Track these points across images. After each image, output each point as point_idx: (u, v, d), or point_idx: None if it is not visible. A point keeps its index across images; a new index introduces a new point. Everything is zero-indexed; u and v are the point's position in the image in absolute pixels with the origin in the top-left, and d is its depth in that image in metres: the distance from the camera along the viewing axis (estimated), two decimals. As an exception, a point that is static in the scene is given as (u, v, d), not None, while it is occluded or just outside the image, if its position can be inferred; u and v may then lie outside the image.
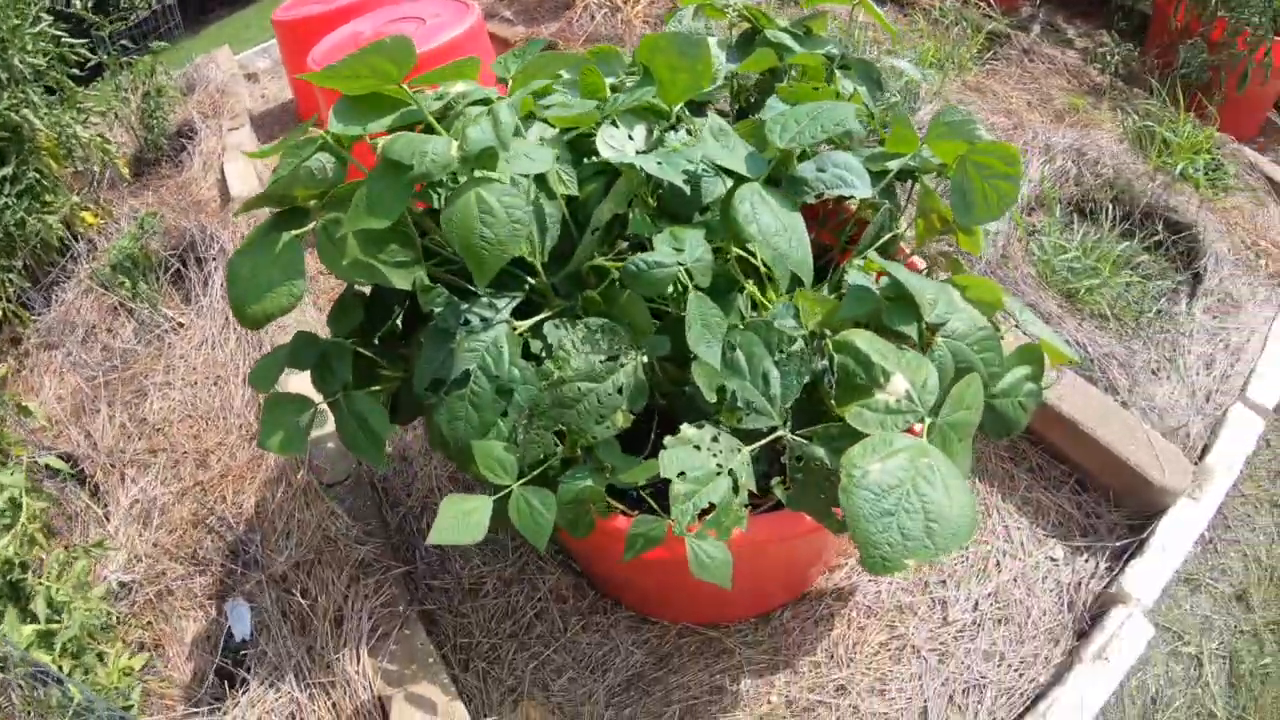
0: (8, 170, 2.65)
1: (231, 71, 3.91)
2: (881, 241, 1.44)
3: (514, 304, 1.20)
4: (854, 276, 1.22)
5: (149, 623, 1.97)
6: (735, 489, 1.02)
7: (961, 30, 3.13)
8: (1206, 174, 2.68)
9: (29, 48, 2.76)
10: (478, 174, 1.00)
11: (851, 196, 1.36)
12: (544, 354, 1.18)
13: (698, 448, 1.02)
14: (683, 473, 0.99)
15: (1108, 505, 1.91)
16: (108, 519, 2.17)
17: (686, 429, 1.04)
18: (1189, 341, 2.18)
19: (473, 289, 1.22)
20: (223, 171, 3.14)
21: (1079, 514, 1.91)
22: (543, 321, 1.19)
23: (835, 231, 1.62)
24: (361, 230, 1.08)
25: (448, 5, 2.94)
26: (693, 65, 1.32)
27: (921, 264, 1.57)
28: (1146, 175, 2.54)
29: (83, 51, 2.99)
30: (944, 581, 1.79)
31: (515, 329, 1.19)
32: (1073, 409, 1.88)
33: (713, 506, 1.01)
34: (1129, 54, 3.19)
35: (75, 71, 3.02)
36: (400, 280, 1.15)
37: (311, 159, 1.14)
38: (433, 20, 2.83)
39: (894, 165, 1.45)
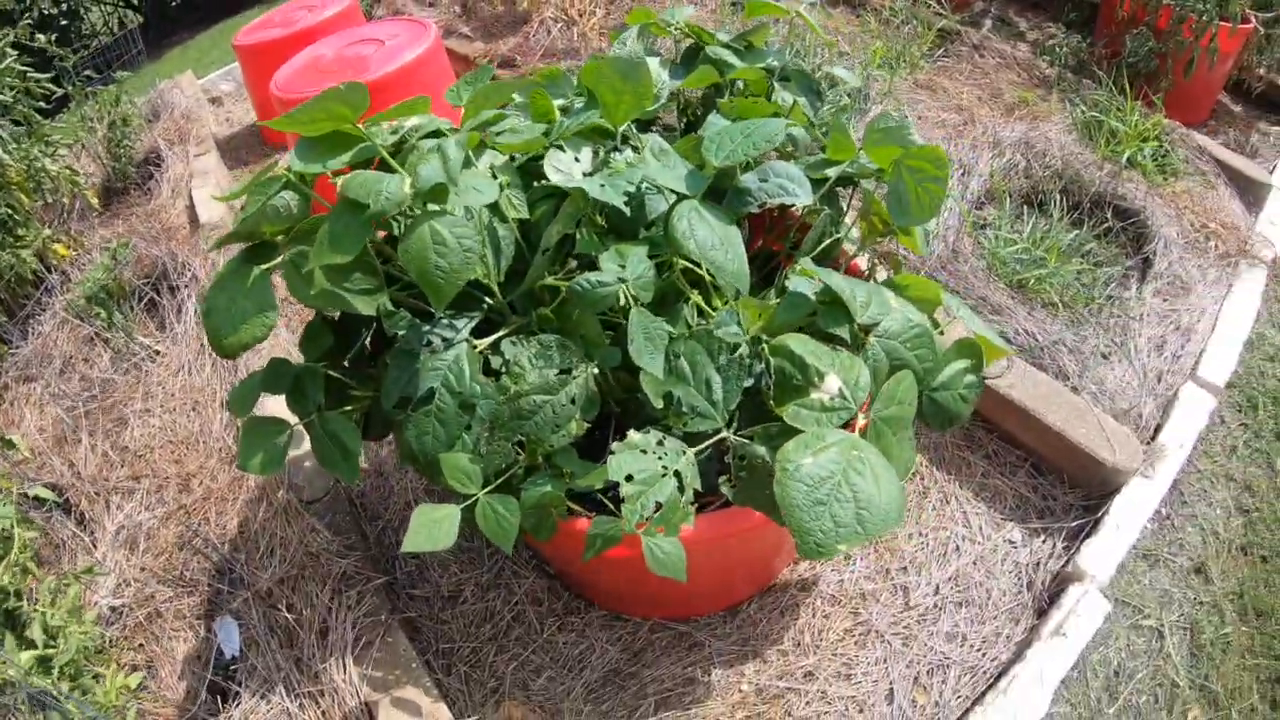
0: None
1: (195, 96, 3.97)
2: (823, 246, 1.54)
3: (473, 323, 1.29)
4: (793, 282, 1.32)
5: (140, 644, 2.04)
6: (681, 488, 1.11)
7: (913, 29, 3.24)
8: (1155, 160, 2.80)
9: (-6, 86, 2.83)
10: (431, 207, 1.08)
11: (794, 204, 1.46)
12: (503, 369, 1.27)
13: (644, 451, 1.12)
14: (630, 475, 1.09)
15: (1063, 487, 2.02)
16: (95, 546, 2.24)
17: (633, 435, 1.14)
18: (1139, 325, 2.29)
19: (433, 311, 1.31)
20: (191, 198, 3.20)
21: (1035, 497, 2.02)
22: (501, 339, 1.28)
23: (780, 237, 1.72)
24: (325, 262, 1.16)
25: (406, 26, 3.03)
26: (635, 88, 1.41)
27: (864, 265, 1.67)
28: (1095, 165, 2.65)
29: (48, 85, 3.05)
30: (905, 568, 1.89)
31: (475, 347, 1.28)
32: (1023, 396, 1.99)
33: (661, 505, 1.10)
34: (1078, 46, 3.31)
35: (41, 104, 3.09)
36: (365, 307, 1.24)
37: (276, 197, 1.22)
38: (391, 42, 2.92)
39: (833, 172, 1.54)
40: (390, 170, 1.22)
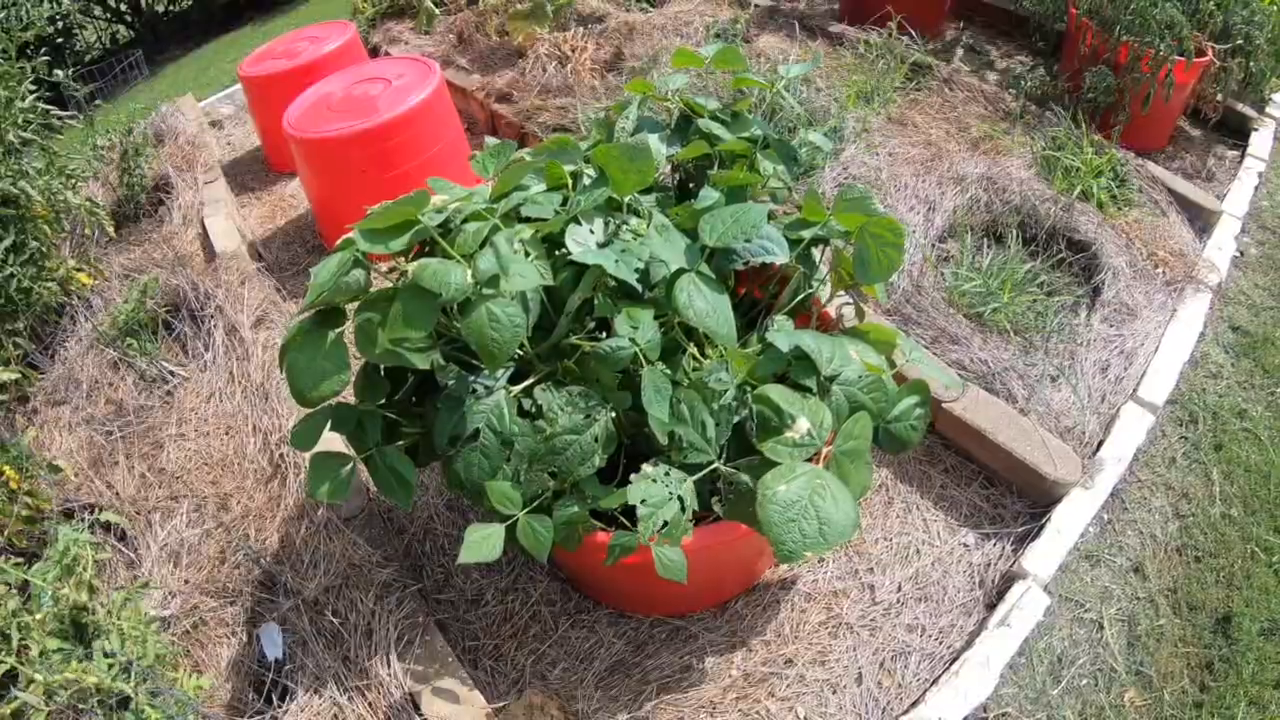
0: (9, 240, 3.03)
1: (199, 121, 4.29)
2: (799, 299, 1.91)
3: (509, 373, 1.65)
4: (772, 335, 1.69)
5: (188, 650, 2.38)
6: (683, 509, 1.49)
7: (887, 63, 3.62)
8: (1109, 192, 3.19)
9: (19, 121, 3.14)
10: (485, 290, 1.45)
11: (775, 261, 1.83)
12: (534, 410, 1.64)
13: (654, 480, 1.49)
14: (644, 499, 1.46)
15: (1012, 497, 2.40)
16: (140, 561, 2.57)
17: (646, 467, 1.51)
18: (1086, 350, 2.67)
19: (476, 363, 1.67)
20: (203, 226, 3.53)
21: (987, 506, 2.40)
22: (532, 386, 1.65)
23: (762, 286, 2.09)
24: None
25: (410, 65, 3.38)
26: (639, 167, 1.78)
27: (834, 311, 2.05)
28: (1051, 199, 3.05)
29: (66, 119, 3.37)
30: (872, 569, 2.27)
31: (511, 393, 1.64)
32: (976, 418, 2.38)
33: (667, 523, 1.48)
34: (1042, 79, 3.70)
35: (59, 137, 3.41)
36: (420, 362, 1.60)
37: (350, 275, 1.58)
38: (398, 81, 3.27)
39: (808, 234, 1.91)
40: (442, 251, 1.59)
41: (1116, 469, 2.45)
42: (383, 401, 1.80)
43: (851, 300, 2.08)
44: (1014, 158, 3.24)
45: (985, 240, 3.02)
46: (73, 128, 3.73)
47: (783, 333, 1.66)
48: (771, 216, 2.01)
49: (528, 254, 1.60)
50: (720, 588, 2.14)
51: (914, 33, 3.89)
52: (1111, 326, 2.76)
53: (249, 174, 4.18)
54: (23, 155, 3.15)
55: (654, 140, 2.02)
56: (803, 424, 1.51)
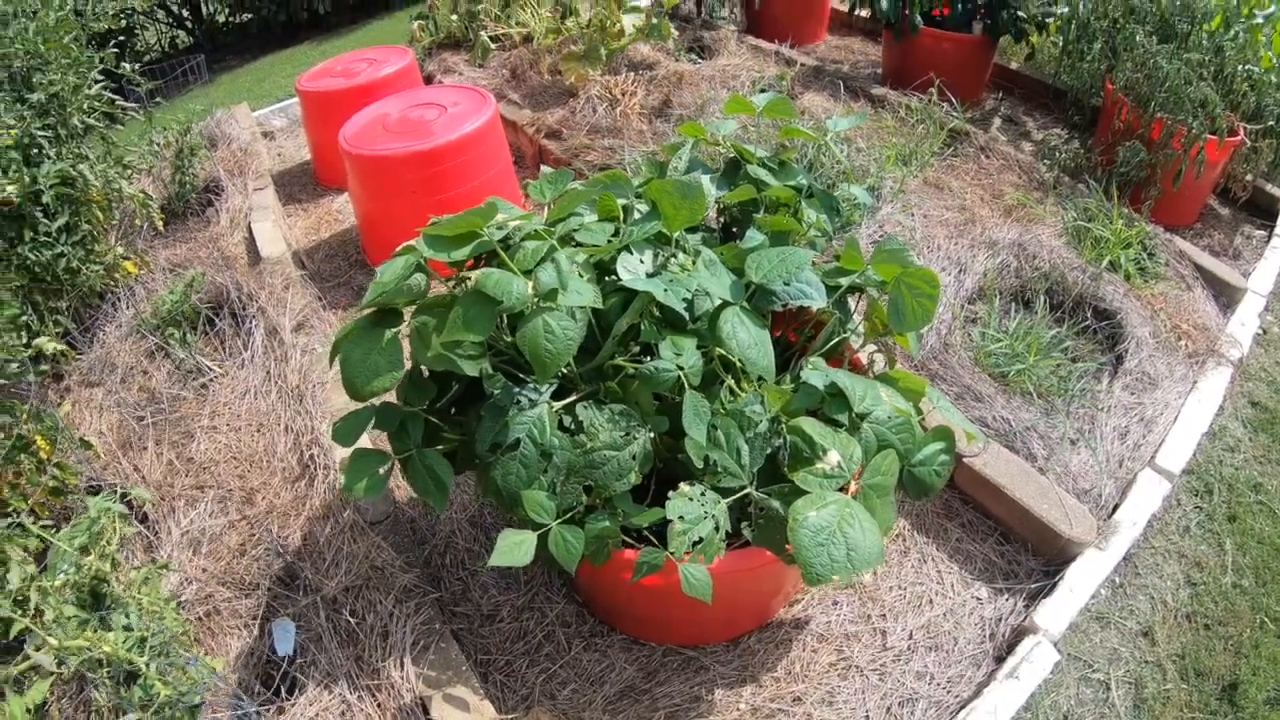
0: (64, 220, 3.14)
1: (251, 130, 4.45)
2: (833, 343, 1.99)
3: (552, 389, 1.73)
4: (807, 374, 1.77)
5: (198, 638, 2.43)
6: (716, 528, 1.55)
7: (926, 128, 3.75)
8: (1137, 264, 3.28)
9: (85, 108, 3.28)
10: (544, 304, 1.53)
11: (812, 305, 1.91)
12: (573, 427, 1.71)
13: (691, 499, 1.56)
14: (681, 516, 1.53)
15: (1026, 554, 2.45)
16: (158, 546, 2.63)
17: (684, 486, 1.58)
18: (1106, 416, 2.74)
19: (521, 375, 1.75)
20: (250, 230, 3.65)
21: (1002, 561, 2.45)
22: (574, 403, 1.73)
23: (798, 329, 2.17)
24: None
25: (466, 94, 3.52)
26: (691, 204, 1.87)
27: (865, 359, 2.13)
28: (1079, 268, 3.13)
29: (129, 109, 3.51)
30: (884, 615, 2.31)
31: (553, 408, 1.72)
32: (995, 474, 2.44)
33: (700, 540, 1.54)
34: (1076, 151, 3.81)
35: (119, 128, 3.55)
36: (470, 369, 1.68)
37: (411, 278, 1.67)
38: (453, 109, 3.41)
39: (845, 281, 2.00)
40: (502, 263, 1.68)
41: (1131, 533, 2.49)
42: (425, 406, 1.87)
43: (882, 349, 2.16)
44: (1045, 226, 3.33)
45: (1013, 304, 3.10)
46: (134, 120, 3.87)
47: (818, 371, 1.74)
48: (810, 265, 2.11)
49: (583, 275, 1.69)
50: (736, 620, 2.19)
51: (954, 100, 4.02)
52: (1132, 394, 2.82)
53: (297, 186, 4.32)
54: (84, 141, 3.28)
55: (705, 180, 2.12)
56: (833, 456, 1.58)
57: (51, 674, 1.99)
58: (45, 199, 2.93)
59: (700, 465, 1.62)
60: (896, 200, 3.23)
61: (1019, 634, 2.26)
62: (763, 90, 4.02)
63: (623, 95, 3.91)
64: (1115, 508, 2.54)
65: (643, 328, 1.75)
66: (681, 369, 1.61)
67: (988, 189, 3.58)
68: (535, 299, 1.54)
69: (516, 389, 1.72)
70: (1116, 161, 3.62)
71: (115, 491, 2.60)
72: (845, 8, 5.40)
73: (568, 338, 1.53)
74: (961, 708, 2.12)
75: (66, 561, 2.08)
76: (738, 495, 1.63)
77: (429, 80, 4.95)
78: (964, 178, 3.63)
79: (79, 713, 2.03)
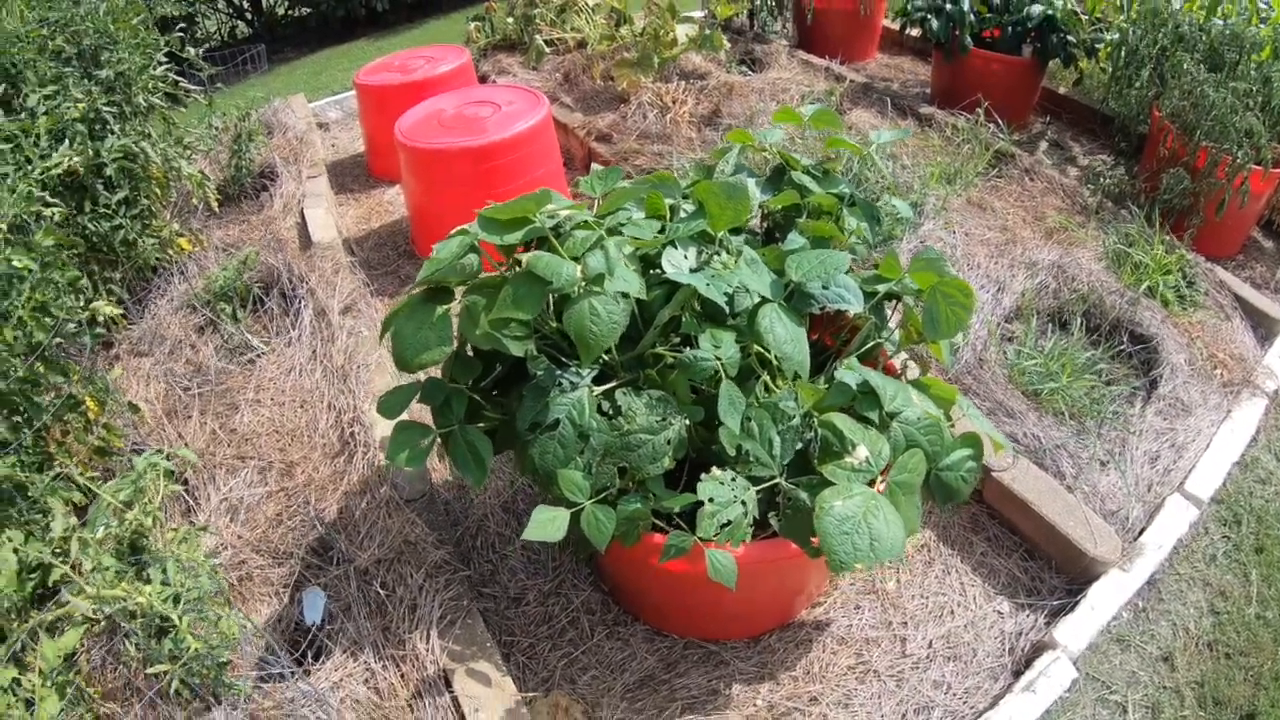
0: (124, 194, 3.26)
1: (307, 120, 4.59)
2: (867, 347, 2.04)
3: (593, 374, 1.80)
4: (841, 374, 1.82)
5: (228, 602, 2.52)
6: (745, 513, 1.61)
7: (972, 148, 3.78)
8: (1175, 291, 3.28)
9: (150, 87, 3.42)
10: (591, 288, 1.60)
11: (848, 310, 1.96)
12: (611, 412, 1.77)
13: (722, 483, 1.62)
14: (712, 498, 1.58)
15: (1050, 571, 2.47)
16: (196, 510, 2.72)
17: (716, 470, 1.64)
18: (1137, 440, 2.75)
19: (564, 360, 1.82)
20: (303, 216, 3.77)
21: (1025, 577, 2.47)
22: (614, 389, 1.79)
23: (834, 333, 2.22)
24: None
25: (520, 94, 3.62)
26: (736, 205, 1.94)
27: (899, 365, 2.17)
28: (1118, 292, 3.15)
29: (193, 91, 3.65)
30: (905, 622, 2.34)
31: (593, 392, 1.78)
32: (1023, 489, 2.46)
33: (728, 523, 1.60)
34: (1121, 178, 3.82)
35: (181, 109, 3.69)
36: (516, 349, 1.75)
37: (465, 258, 1.75)
38: (508, 107, 3.50)
39: (882, 288, 2.04)
40: (552, 248, 1.75)
41: (1156, 556, 2.50)
42: (470, 384, 1.95)
43: (915, 358, 2.20)
44: (1085, 249, 3.35)
45: (1050, 325, 3.12)
46: (195, 103, 4.01)
47: (852, 370, 1.79)
48: (849, 269, 2.16)
49: (629, 265, 1.76)
50: (757, 616, 2.23)
51: (1000, 121, 4.05)
52: (1165, 420, 2.83)
53: (349, 176, 4.44)
54: (147, 119, 3.42)
55: (751, 184, 2.18)
56: (862, 451, 1.63)
57: (84, 622, 2.07)
58: (107, 172, 3.06)
59: (733, 453, 1.67)
60: (939, 217, 3.27)
61: (1038, 649, 2.27)
62: (813, 104, 4.07)
63: (673, 103, 3.99)
64: (1141, 531, 2.55)
65: (684, 320, 1.81)
66: (719, 360, 1.67)
67: (1030, 211, 3.61)
68: (583, 283, 1.61)
69: (559, 372, 1.79)
70: (1160, 188, 3.61)
71: (160, 452, 2.71)
72: (897, 26, 5.45)
73: (612, 321, 1.60)
74: (977, 719, 2.15)
75: (108, 515, 2.16)
76: (767, 484, 1.69)
77: (483, 80, 5.07)
78: (1007, 199, 3.66)
79: (107, 663, 2.11)
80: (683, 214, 2.08)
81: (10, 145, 2.51)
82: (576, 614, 2.40)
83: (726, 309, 1.79)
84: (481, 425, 1.96)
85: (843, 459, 1.63)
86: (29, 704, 1.69)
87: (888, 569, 2.48)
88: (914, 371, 2.18)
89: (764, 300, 1.78)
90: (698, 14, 4.58)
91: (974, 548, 2.54)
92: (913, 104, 4.57)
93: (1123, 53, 4.00)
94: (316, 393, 2.97)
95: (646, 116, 3.98)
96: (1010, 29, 4.36)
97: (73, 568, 2.08)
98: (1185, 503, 2.62)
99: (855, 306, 1.92)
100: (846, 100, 4.57)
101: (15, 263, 1.94)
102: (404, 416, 2.00)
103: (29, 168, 2.51)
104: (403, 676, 2.16)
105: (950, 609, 2.39)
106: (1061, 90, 4.83)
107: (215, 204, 3.84)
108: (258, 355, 3.18)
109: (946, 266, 2.01)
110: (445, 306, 1.80)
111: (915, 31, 4.62)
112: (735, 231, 2.16)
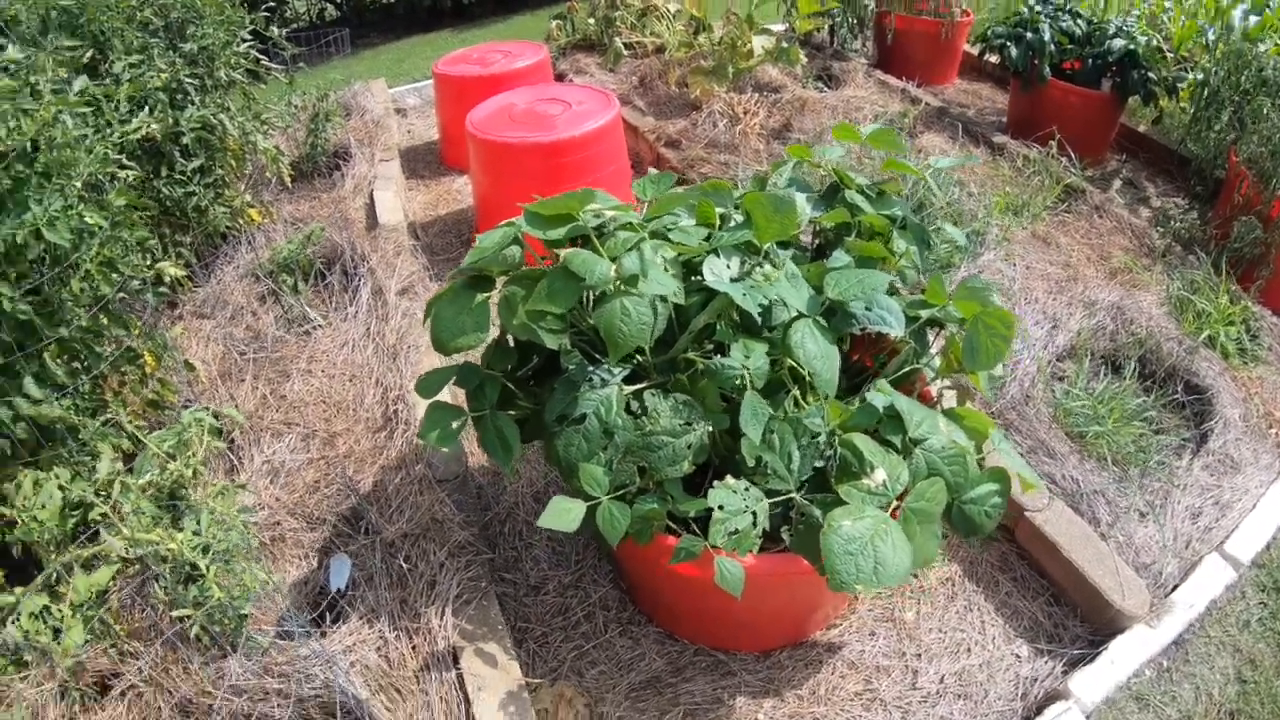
0: (199, 162, 3.40)
1: (385, 105, 4.72)
2: (904, 372, 2.03)
3: (626, 374, 1.83)
4: (871, 396, 1.82)
5: (256, 558, 2.60)
6: (754, 523, 1.62)
7: (1041, 180, 3.71)
8: (1238, 344, 3.17)
9: (231, 62, 3.56)
10: (624, 288, 1.64)
11: (889, 333, 1.96)
12: (639, 412, 1.80)
13: (734, 492, 1.63)
14: (722, 505, 1.60)
15: (1074, 619, 2.41)
16: (239, 470, 2.83)
17: (729, 479, 1.65)
18: (1180, 493, 2.67)
19: (597, 356, 1.86)
20: (372, 198, 3.89)
21: (1048, 622, 2.42)
22: (643, 389, 1.82)
23: (875, 357, 2.21)
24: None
25: (591, 94, 3.67)
26: (783, 218, 1.95)
27: (935, 392, 2.15)
28: (1176, 339, 3.06)
29: (274, 68, 3.79)
30: (920, 654, 2.32)
31: (623, 391, 1.82)
32: (1055, 531, 2.41)
33: (736, 531, 1.61)
34: (1192, 223, 3.71)
35: (261, 86, 3.83)
36: (551, 342, 1.79)
37: (508, 249, 1.80)
38: (578, 106, 3.56)
39: (925, 314, 2.03)
40: (593, 247, 1.79)
41: (1186, 615, 2.42)
42: (504, 371, 2.00)
43: (957, 387, 2.18)
44: (1148, 292, 3.27)
45: (1104, 367, 3.05)
46: (276, 80, 4.16)
47: (881, 392, 1.79)
48: (894, 292, 2.15)
49: (667, 269, 1.79)
50: (767, 629, 2.24)
51: (1074, 155, 3.97)
52: (1212, 475, 2.74)
53: (421, 163, 4.56)
54: (227, 93, 3.56)
55: (800, 198, 2.18)
56: (880, 474, 1.63)
57: (118, 562, 2.16)
58: (185, 140, 3.19)
59: (752, 464, 1.68)
60: (1000, 248, 3.22)
61: (1051, 697, 2.23)
62: (884, 125, 4.06)
63: (744, 114, 4.01)
64: (1174, 588, 2.48)
65: (718, 327, 1.83)
66: (746, 369, 1.69)
67: (1096, 249, 3.53)
68: (617, 282, 1.65)
69: (591, 368, 1.83)
70: (1231, 236, 3.51)
71: (208, 409, 2.82)
72: (977, 52, 5.38)
73: (642, 322, 1.63)
74: (980, 760, 2.12)
75: (152, 464, 2.26)
76: (782, 498, 1.70)
77: (560, 78, 5.16)
78: (1073, 235, 3.58)
79: (136, 603, 2.19)
80: (733, 223, 2.10)
81: (91, 109, 2.64)
82: (593, 609, 2.43)
83: (760, 320, 1.81)
84: (513, 413, 2.01)
85: (860, 480, 1.63)
86: (57, 632, 1.78)
87: (908, 598, 2.45)
88: (950, 400, 2.16)
89: (799, 315, 1.79)
90: (778, 27, 4.58)
91: (999, 587, 2.50)
92: (986, 131, 4.51)
93: (1204, 93, 3.89)
94: (366, 368, 3.06)
95: (716, 125, 4.01)
96: (1091, 61, 4.27)
97: (113, 509, 2.18)
98: (1224, 563, 2.54)
99: (896, 329, 1.91)
100: (920, 123, 4.53)
101: (87, 219, 2.05)
102: (443, 398, 2.07)
103: (108, 130, 2.63)
104: (413, 648, 2.22)
105: (967, 646, 2.36)
106: (1141, 128, 4.71)
107: (288, 179, 3.98)
108: (314, 327, 3.29)
109: (992, 296, 1.99)
110: (485, 295, 1.86)
111: (994, 58, 4.56)
112: (784, 245, 2.17)
